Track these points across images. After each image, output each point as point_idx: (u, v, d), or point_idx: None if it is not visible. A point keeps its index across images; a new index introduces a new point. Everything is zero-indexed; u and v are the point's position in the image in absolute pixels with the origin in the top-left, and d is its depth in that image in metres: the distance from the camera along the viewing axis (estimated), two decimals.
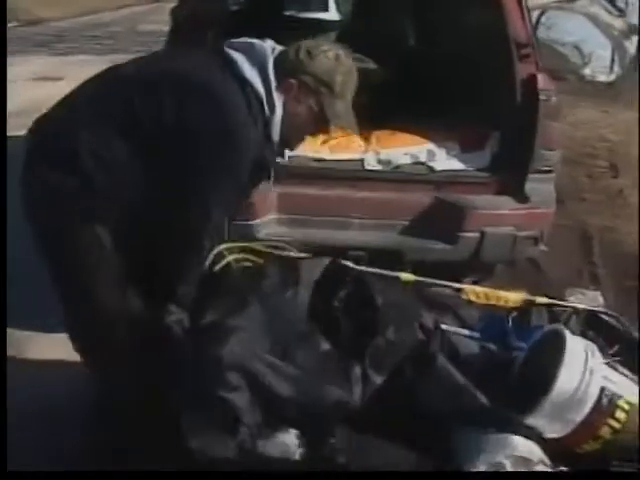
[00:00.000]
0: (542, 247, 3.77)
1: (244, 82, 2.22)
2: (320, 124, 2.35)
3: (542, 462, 2.17)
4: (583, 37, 13.92)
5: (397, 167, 3.60)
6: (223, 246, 2.54)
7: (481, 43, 4.03)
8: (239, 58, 2.24)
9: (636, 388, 2.24)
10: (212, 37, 3.31)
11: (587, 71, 12.94)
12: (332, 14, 6.37)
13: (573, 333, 2.55)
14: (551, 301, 2.85)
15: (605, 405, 2.17)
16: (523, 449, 2.17)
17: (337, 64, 2.29)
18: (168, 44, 3.58)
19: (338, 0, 5.73)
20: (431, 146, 3.61)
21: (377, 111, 4.16)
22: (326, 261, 2.58)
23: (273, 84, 2.22)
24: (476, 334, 2.52)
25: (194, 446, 2.10)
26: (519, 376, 2.30)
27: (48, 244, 2.32)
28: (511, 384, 2.28)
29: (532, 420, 2.18)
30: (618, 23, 12.20)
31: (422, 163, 3.59)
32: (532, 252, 3.79)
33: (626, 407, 2.18)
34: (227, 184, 2.25)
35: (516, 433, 2.18)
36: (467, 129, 3.71)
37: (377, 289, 2.50)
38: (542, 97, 3.39)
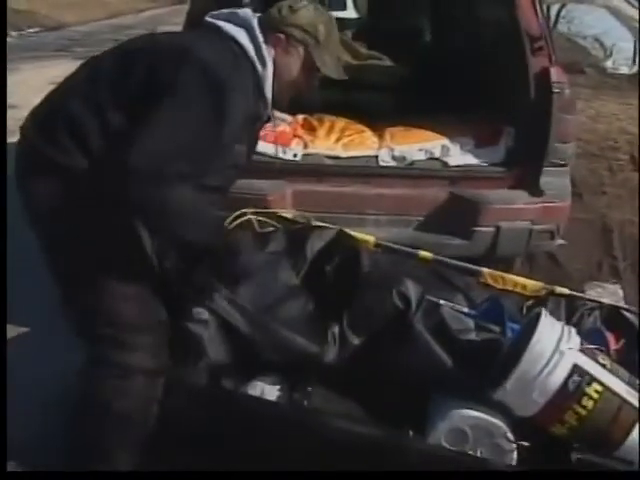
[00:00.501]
0: (559, 241, 3.76)
1: (231, 40, 2.27)
2: (309, 74, 2.41)
3: (505, 437, 2.24)
4: (604, 30, 13.87)
5: (411, 163, 3.60)
6: (248, 210, 2.77)
7: (495, 38, 4.04)
8: (223, 23, 2.31)
9: (618, 382, 2.23)
10: None
11: (609, 64, 12.88)
12: (350, 12, 6.41)
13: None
14: (570, 292, 2.89)
15: (571, 390, 2.18)
16: (486, 422, 2.25)
17: (317, 14, 2.38)
18: None
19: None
20: (445, 142, 3.60)
21: (391, 107, 4.19)
22: (334, 232, 2.79)
23: (260, 39, 2.29)
24: (474, 312, 2.58)
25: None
26: (504, 356, 2.33)
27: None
28: (497, 362, 2.31)
29: (500, 395, 2.22)
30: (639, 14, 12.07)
31: (436, 159, 3.58)
32: (549, 246, 3.78)
33: (594, 395, 2.18)
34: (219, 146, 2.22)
35: (484, 406, 2.26)
36: (481, 124, 3.71)
37: (366, 256, 2.68)
38: (556, 90, 3.38)
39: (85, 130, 2.20)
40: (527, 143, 3.48)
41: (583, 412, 2.18)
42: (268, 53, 2.31)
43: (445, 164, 3.58)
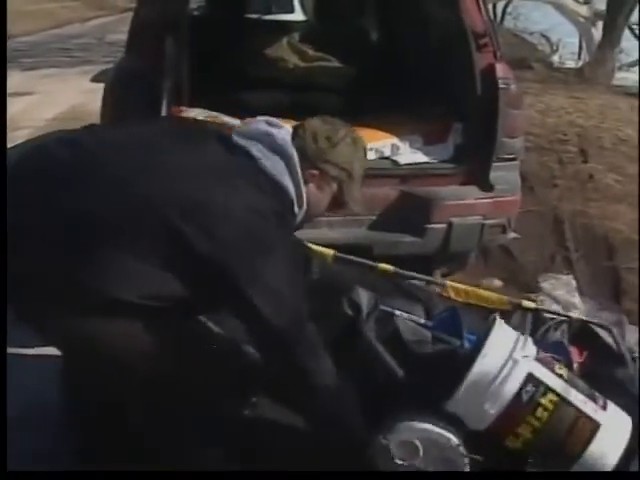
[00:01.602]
0: (512, 234, 3.81)
1: (278, 188, 2.13)
2: (337, 207, 2.34)
3: (456, 450, 2.15)
4: (550, 26, 14.11)
5: None
6: None
7: (441, 36, 4.07)
8: (267, 163, 2.12)
9: (575, 394, 2.19)
10: (171, 42, 3.31)
11: (556, 58, 13.09)
12: (297, 15, 6.42)
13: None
14: (538, 307, 2.89)
15: (525, 400, 2.13)
16: (436, 434, 2.16)
17: (355, 150, 2.28)
18: (126, 52, 3.58)
19: (302, 1, 5.79)
20: (395, 141, 3.62)
21: (340, 108, 4.19)
22: None
23: (300, 177, 2.16)
24: (430, 323, 2.57)
25: None
26: (457, 366, 2.26)
27: None
28: (450, 373, 2.25)
29: (452, 406, 2.18)
30: (584, 10, 12.32)
31: (387, 158, 3.60)
32: (501, 240, 3.84)
33: (549, 406, 2.13)
34: None
35: (436, 418, 2.18)
36: (430, 122, 3.75)
37: (316, 263, 2.66)
38: (501, 85, 3.43)
39: None
40: (475, 139, 3.53)
41: (537, 424, 2.13)
42: (304, 191, 2.19)
43: (395, 163, 3.60)
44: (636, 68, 12.24)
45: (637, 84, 10.85)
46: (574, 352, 2.51)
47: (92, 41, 15.11)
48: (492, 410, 2.14)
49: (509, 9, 15.80)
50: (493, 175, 3.52)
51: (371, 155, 3.58)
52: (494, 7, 14.40)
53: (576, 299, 4.23)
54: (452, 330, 2.50)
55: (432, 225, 3.49)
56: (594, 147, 7.10)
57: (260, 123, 2.25)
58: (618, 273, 4.53)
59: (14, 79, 10.21)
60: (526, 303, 2.81)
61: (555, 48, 13.75)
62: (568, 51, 13.27)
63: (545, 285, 4.38)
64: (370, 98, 4.10)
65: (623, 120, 8.17)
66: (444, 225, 3.48)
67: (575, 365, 2.43)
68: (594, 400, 2.20)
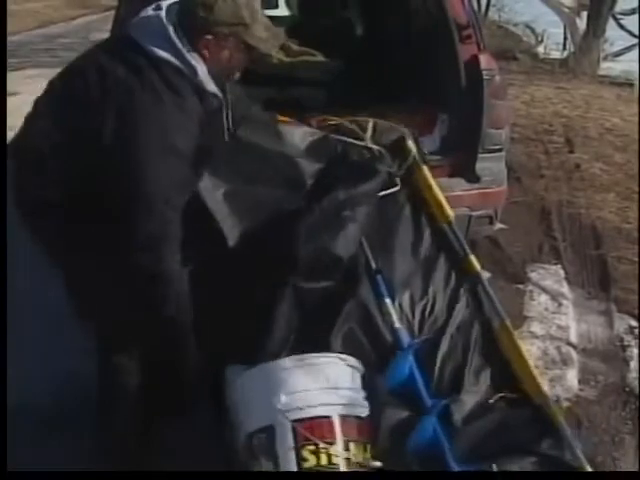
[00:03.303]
0: (498, 225, 3.82)
1: (158, 63, 2.25)
2: (248, 53, 2.39)
3: None
4: (534, 16, 14.11)
5: None
6: None
7: (425, 28, 4.07)
8: (144, 40, 2.27)
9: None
10: None
11: (540, 49, 13.09)
12: (282, 10, 6.41)
13: None
14: None
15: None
16: None
17: (234, 1, 2.31)
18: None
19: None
20: None
21: (326, 102, 4.19)
22: None
23: (183, 49, 2.25)
24: None
25: None
26: None
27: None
28: None
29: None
30: (568, 1, 12.31)
31: None
32: (488, 231, 3.84)
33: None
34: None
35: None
36: (415, 114, 3.73)
37: None
38: (485, 77, 3.43)
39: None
40: (461, 130, 3.53)
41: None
42: (197, 57, 2.28)
43: None
44: (621, 58, 12.26)
45: (622, 74, 10.89)
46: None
47: (76, 40, 15.01)
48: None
49: (493, 1, 15.80)
50: (479, 166, 3.52)
51: None
52: None
53: (564, 288, 4.25)
54: None
55: None
56: (580, 137, 7.14)
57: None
58: (606, 262, 4.55)
59: None
60: None
61: (540, 39, 13.74)
62: (553, 42, 13.26)
63: (533, 275, 4.41)
64: (355, 92, 4.09)
65: (609, 109, 8.22)
66: None
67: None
68: None
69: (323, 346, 2.46)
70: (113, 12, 3.63)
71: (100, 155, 2.21)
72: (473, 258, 2.92)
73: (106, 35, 3.12)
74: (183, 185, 2.32)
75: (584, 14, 11.92)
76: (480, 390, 2.59)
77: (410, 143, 3.11)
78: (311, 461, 2.04)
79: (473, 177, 3.53)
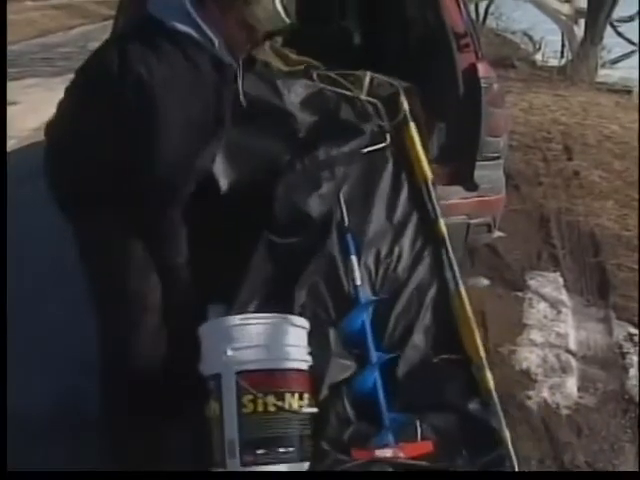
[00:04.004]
0: (497, 233, 3.82)
1: (180, 37, 2.31)
2: (250, 35, 2.47)
3: None
4: (532, 24, 14.18)
5: None
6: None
7: (423, 37, 4.08)
8: (162, 16, 2.33)
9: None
10: None
11: (538, 57, 13.14)
12: None
13: None
14: None
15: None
16: None
17: None
18: None
19: (284, 3, 5.78)
20: None
21: None
22: None
23: (201, 21, 2.32)
24: None
25: None
26: None
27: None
28: None
29: None
30: (565, 8, 12.35)
31: None
32: (487, 239, 3.84)
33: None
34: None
35: None
36: None
37: None
38: (483, 85, 3.43)
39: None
40: (459, 139, 3.52)
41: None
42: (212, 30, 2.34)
43: None
44: (619, 65, 12.30)
45: (620, 81, 10.92)
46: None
47: (75, 49, 15.07)
48: None
49: (491, 9, 15.86)
50: (477, 174, 3.52)
51: None
52: (476, 7, 14.47)
53: (563, 296, 4.25)
54: None
55: None
56: (578, 144, 7.15)
57: None
58: (605, 269, 4.55)
59: None
60: None
61: (537, 47, 13.80)
62: (551, 49, 13.32)
63: (532, 283, 4.41)
64: None
65: (607, 117, 8.24)
66: None
67: None
68: None
69: (288, 298, 2.68)
70: (111, 21, 3.64)
71: (123, 134, 2.29)
72: (442, 222, 3.04)
73: None
74: (199, 155, 2.45)
75: (582, 22, 11.97)
76: (425, 348, 2.78)
77: (402, 99, 3.22)
78: (249, 408, 2.29)
79: (471, 185, 3.53)
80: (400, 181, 3.12)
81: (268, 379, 2.34)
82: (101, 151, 2.33)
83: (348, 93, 3.20)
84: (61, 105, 2.49)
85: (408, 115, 3.20)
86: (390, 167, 3.13)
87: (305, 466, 2.32)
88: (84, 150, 2.36)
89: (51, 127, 2.51)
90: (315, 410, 2.44)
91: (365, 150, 3.08)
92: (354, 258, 2.87)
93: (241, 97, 2.85)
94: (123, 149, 2.29)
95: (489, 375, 2.68)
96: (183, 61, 2.29)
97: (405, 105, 3.21)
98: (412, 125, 3.18)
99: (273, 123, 3.00)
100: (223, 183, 2.83)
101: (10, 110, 8.67)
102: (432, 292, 2.91)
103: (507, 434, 2.54)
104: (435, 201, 3.08)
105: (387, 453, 2.42)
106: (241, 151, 2.87)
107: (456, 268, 2.95)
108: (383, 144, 3.14)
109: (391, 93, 3.25)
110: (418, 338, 2.79)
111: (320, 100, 3.15)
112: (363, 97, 3.20)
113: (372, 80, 3.27)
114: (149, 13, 2.36)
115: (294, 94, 3.10)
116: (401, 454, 2.43)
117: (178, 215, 2.45)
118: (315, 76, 3.26)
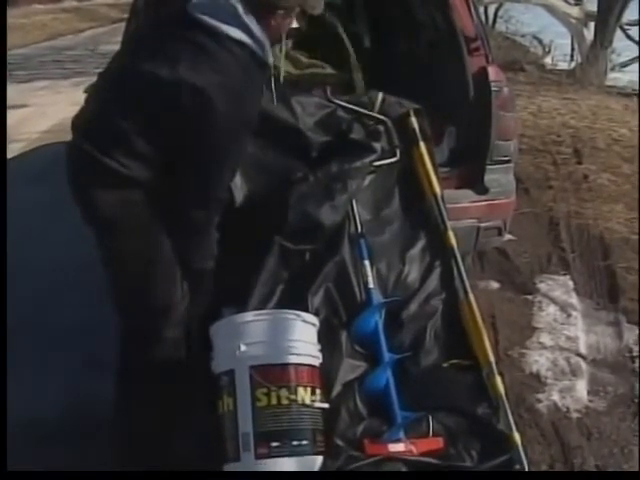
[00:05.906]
0: (507, 236, 3.83)
1: (228, 41, 2.33)
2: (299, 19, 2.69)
3: None
4: (541, 27, 14.16)
5: None
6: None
7: (433, 41, 4.08)
8: (212, 20, 2.34)
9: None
10: None
11: (548, 60, 13.13)
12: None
13: None
14: None
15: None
16: None
17: None
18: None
19: None
20: None
21: None
22: None
23: (252, 26, 2.35)
24: None
25: None
26: None
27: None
28: None
29: None
30: (575, 11, 12.35)
31: None
32: (497, 242, 3.85)
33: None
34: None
35: None
36: None
37: None
38: (494, 88, 3.44)
39: (138, 148, 2.33)
40: (469, 142, 3.53)
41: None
42: (261, 30, 2.38)
43: None
44: (628, 68, 12.28)
45: (629, 84, 10.91)
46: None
47: (84, 52, 15.15)
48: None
49: (500, 12, 15.84)
50: (487, 178, 3.53)
51: None
52: (485, 10, 14.46)
53: (573, 299, 4.25)
54: None
55: None
56: (588, 148, 7.14)
57: None
58: (614, 272, 4.55)
59: (8, 92, 10.24)
60: None
61: (547, 50, 13.80)
62: (560, 53, 13.32)
63: (542, 286, 4.41)
64: None
65: (616, 120, 8.22)
66: None
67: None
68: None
69: (302, 303, 2.72)
70: (121, 24, 3.66)
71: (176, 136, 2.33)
72: (451, 233, 3.07)
73: (114, 47, 3.15)
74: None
75: (591, 25, 11.96)
76: (436, 352, 2.83)
77: (413, 119, 3.29)
78: (263, 401, 2.34)
79: (481, 189, 3.54)
80: (410, 195, 3.18)
81: (281, 373, 2.38)
82: (145, 152, 2.34)
83: (361, 110, 3.29)
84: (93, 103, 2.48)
85: (418, 134, 3.25)
86: (401, 181, 3.21)
87: (318, 459, 2.34)
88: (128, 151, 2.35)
89: (81, 120, 2.47)
90: (327, 405, 2.47)
91: (377, 164, 3.16)
92: (367, 262, 2.92)
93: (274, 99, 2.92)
94: (173, 150, 2.34)
95: (499, 381, 2.70)
96: (236, 68, 2.33)
97: (415, 124, 3.27)
98: (422, 144, 3.23)
99: (287, 140, 3.07)
100: (238, 196, 2.91)
101: (20, 113, 8.73)
102: (442, 300, 2.95)
103: (518, 438, 2.55)
104: (444, 213, 3.12)
105: (400, 447, 2.46)
106: (257, 166, 2.94)
107: (465, 277, 2.98)
108: (393, 159, 3.22)
109: (402, 113, 3.32)
110: (429, 343, 2.83)
111: (333, 121, 3.22)
112: (374, 114, 3.30)
113: (384, 100, 3.36)
114: (194, 16, 2.36)
115: (308, 115, 3.16)
116: (413, 448, 2.47)
117: (216, 219, 2.52)
118: (329, 93, 3.34)
